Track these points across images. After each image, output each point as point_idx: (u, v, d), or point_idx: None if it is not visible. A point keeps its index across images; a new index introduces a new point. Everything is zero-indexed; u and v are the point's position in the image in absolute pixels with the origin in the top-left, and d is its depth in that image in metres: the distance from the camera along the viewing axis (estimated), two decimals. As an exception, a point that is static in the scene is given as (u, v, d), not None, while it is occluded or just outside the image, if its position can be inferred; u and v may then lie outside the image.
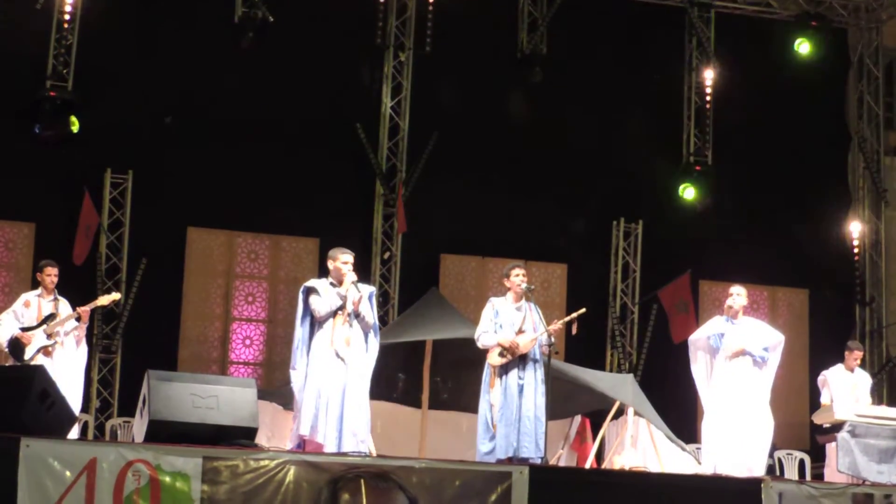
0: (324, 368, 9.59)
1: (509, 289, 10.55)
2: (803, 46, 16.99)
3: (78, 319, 11.23)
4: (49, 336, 11.08)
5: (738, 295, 11.09)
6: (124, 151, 14.85)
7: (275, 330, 15.54)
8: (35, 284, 11.94)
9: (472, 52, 16.19)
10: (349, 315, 9.75)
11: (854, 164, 17.90)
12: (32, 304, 11.25)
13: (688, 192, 16.65)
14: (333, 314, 9.71)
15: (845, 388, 12.61)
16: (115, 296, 11.81)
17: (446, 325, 12.87)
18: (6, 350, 11.09)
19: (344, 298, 9.74)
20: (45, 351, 11.05)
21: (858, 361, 12.87)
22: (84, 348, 11.56)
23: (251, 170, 15.10)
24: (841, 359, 12.85)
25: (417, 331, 13.02)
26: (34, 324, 11.12)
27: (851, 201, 17.81)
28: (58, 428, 8.59)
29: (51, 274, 11.37)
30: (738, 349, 10.84)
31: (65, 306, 11.35)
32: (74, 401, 11.02)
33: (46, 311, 11.20)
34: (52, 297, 11.34)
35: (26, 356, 10.94)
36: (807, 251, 17.26)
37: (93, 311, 11.77)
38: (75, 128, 14.27)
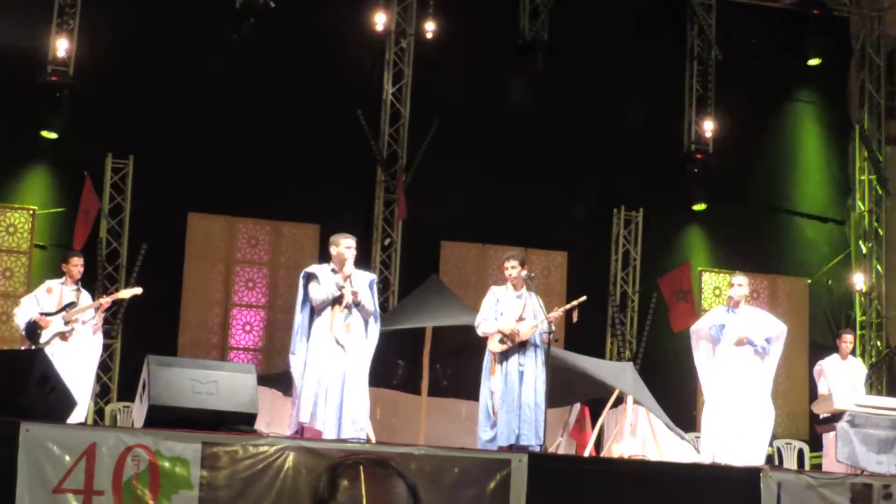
0: (323, 355, 9.58)
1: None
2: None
3: (96, 309, 11.31)
4: (66, 323, 11.13)
5: (738, 285, 11.11)
6: (125, 136, 14.84)
7: (275, 316, 15.53)
8: (44, 271, 11.97)
9: (474, 39, 16.15)
10: (349, 303, 9.74)
11: (855, 152, 17.87)
12: (54, 291, 11.32)
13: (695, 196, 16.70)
14: (332, 303, 9.70)
15: (842, 377, 12.62)
16: (137, 290, 11.80)
17: (446, 312, 12.87)
18: (23, 333, 11.15)
19: (342, 289, 9.71)
20: (62, 336, 11.11)
21: (850, 345, 12.92)
22: (100, 336, 11.69)
23: (252, 155, 15.08)
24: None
25: (417, 317, 13.01)
26: (54, 310, 11.17)
27: (852, 190, 17.80)
28: (58, 412, 8.59)
29: (77, 265, 11.48)
30: (740, 336, 10.86)
31: (86, 297, 11.46)
32: (85, 387, 11.14)
33: (67, 300, 11.27)
34: (74, 286, 11.41)
35: (42, 339, 11.00)
36: (807, 240, 17.26)
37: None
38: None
